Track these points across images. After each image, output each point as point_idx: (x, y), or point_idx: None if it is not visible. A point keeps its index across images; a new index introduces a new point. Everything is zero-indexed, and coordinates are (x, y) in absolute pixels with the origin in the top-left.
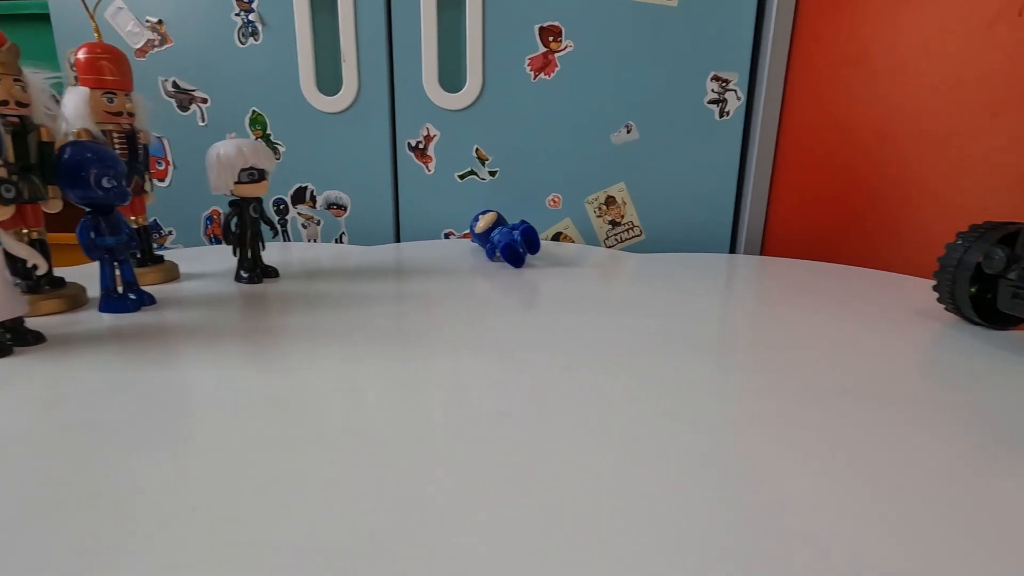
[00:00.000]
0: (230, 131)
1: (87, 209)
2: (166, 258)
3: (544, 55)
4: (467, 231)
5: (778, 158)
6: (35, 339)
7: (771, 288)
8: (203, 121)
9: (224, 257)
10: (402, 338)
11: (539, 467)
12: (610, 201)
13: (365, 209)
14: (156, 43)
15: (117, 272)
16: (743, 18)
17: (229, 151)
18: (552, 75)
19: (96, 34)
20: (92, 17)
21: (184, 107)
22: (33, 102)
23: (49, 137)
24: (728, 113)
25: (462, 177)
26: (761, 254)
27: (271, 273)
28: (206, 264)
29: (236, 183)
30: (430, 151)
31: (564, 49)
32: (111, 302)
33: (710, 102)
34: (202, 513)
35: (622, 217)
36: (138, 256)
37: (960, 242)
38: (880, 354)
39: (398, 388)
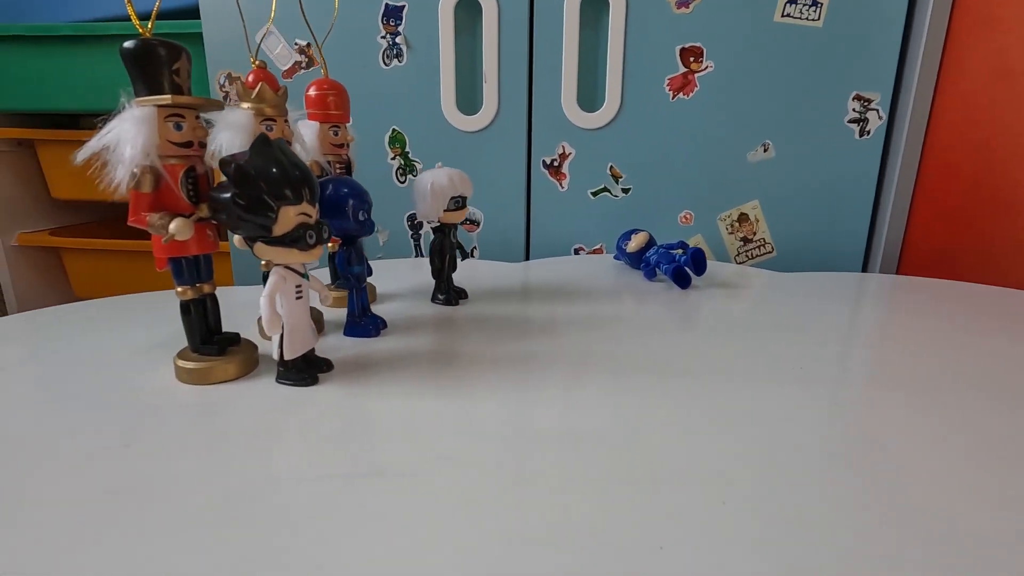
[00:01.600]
0: (370, 148)
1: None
2: None
3: (684, 75)
4: (596, 247)
5: (920, 176)
6: (327, 366)
7: (946, 313)
8: None
9: (398, 275)
10: (639, 365)
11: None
12: (743, 218)
13: (497, 224)
14: (303, 65)
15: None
16: (890, 37)
17: (442, 181)
18: (691, 95)
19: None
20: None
21: None
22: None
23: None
24: (868, 132)
25: (595, 194)
26: (897, 272)
27: (463, 295)
28: (389, 283)
29: (444, 210)
30: (564, 168)
31: (704, 69)
32: (356, 327)
33: (850, 121)
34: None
35: (754, 234)
36: None
37: None
38: None
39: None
